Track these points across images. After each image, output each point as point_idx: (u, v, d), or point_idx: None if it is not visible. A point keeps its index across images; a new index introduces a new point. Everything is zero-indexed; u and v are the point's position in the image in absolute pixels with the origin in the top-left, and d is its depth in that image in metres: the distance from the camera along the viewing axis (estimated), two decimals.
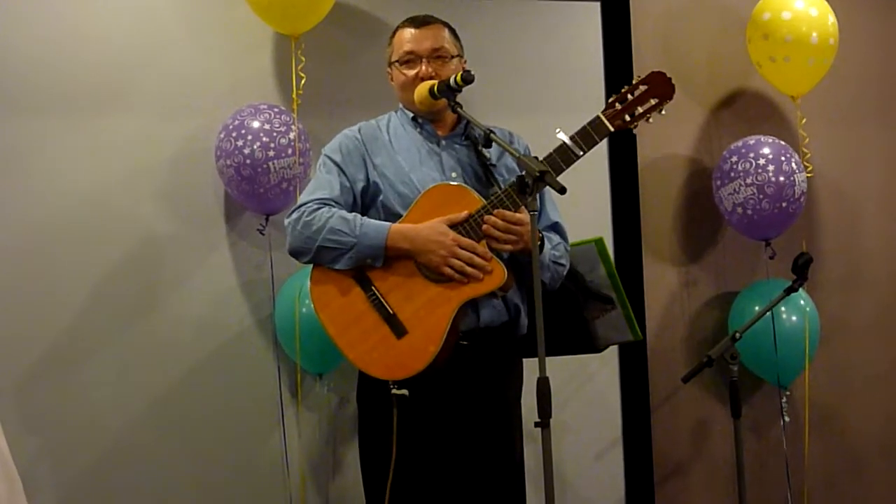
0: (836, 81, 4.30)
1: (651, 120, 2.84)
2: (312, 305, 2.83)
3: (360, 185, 2.89)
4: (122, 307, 3.64)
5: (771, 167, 3.95)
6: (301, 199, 2.90)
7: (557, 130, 2.76)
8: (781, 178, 3.94)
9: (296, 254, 2.86)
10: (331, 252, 2.78)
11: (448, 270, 2.73)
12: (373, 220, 2.81)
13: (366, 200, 2.90)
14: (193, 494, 3.68)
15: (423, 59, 2.92)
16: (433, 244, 2.74)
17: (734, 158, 4.03)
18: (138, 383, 3.63)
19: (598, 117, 2.79)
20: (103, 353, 3.62)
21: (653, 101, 2.82)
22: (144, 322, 3.66)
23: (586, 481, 4.06)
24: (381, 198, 2.87)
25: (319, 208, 2.82)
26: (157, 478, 3.64)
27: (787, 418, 4.06)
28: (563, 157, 2.75)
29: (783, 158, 3.98)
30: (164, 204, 3.69)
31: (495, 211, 2.74)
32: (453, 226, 2.76)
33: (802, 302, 4.03)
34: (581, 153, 2.76)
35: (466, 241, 2.74)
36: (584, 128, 2.78)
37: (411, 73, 2.92)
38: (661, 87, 2.84)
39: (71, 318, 3.60)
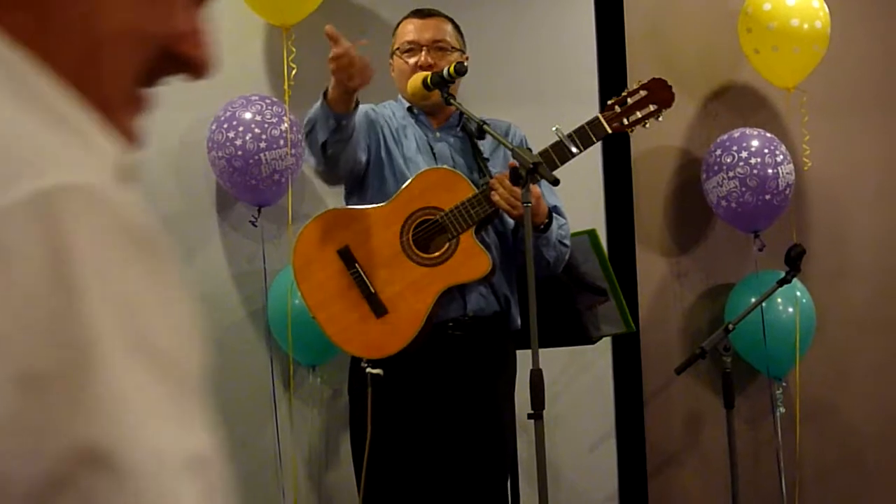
0: (827, 72, 4.29)
1: (648, 125, 2.84)
2: (294, 277, 2.83)
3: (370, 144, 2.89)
4: None
5: (753, 160, 3.95)
6: None
7: (554, 127, 2.76)
8: (764, 171, 3.94)
9: (311, 155, 2.82)
10: (311, 133, 2.75)
11: (341, 77, 2.63)
12: None
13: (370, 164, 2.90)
14: None
15: (423, 49, 2.91)
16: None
17: (718, 151, 4.05)
18: None
19: (596, 118, 2.80)
20: None
21: (651, 107, 2.83)
22: None
23: (579, 473, 4.06)
24: (379, 172, 2.88)
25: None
26: None
27: (782, 409, 4.07)
28: (559, 153, 2.76)
29: (766, 151, 3.98)
30: (156, 196, 3.68)
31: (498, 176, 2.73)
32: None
33: (799, 293, 4.03)
34: (577, 151, 2.77)
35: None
36: (581, 127, 2.79)
37: (411, 61, 2.92)
38: (660, 93, 2.85)
39: None
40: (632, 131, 2.85)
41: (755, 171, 3.94)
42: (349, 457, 2.96)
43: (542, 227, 2.79)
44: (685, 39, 4.35)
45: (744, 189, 3.94)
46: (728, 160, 3.99)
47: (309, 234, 2.83)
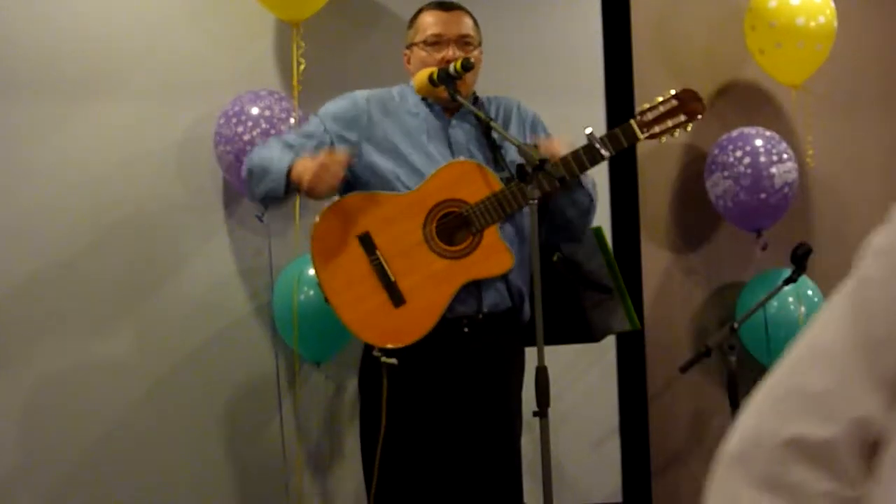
0: (832, 70, 4.29)
1: (677, 135, 2.85)
2: (312, 261, 2.82)
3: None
4: (119, 293, 3.64)
5: (747, 160, 3.97)
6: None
7: (588, 130, 2.76)
8: (758, 171, 3.95)
9: (245, 175, 2.91)
10: (253, 178, 2.85)
11: (310, 178, 2.69)
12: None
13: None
14: (190, 481, 3.68)
15: (452, 43, 2.90)
16: (307, 163, 2.73)
17: (716, 151, 4.08)
18: (134, 369, 3.63)
19: (629, 123, 2.80)
20: (99, 338, 3.62)
21: (682, 118, 2.83)
22: (141, 308, 3.65)
23: (583, 471, 4.06)
24: (369, 160, 2.85)
25: (265, 143, 2.92)
26: (154, 464, 3.64)
27: None
28: (589, 156, 2.75)
29: (762, 150, 3.99)
30: (163, 190, 3.69)
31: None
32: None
33: (810, 292, 4.03)
34: (607, 155, 2.77)
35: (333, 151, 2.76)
36: (614, 131, 2.79)
37: (438, 55, 2.89)
38: (691, 104, 2.84)
39: (68, 302, 3.60)
40: (661, 140, 2.85)
41: (748, 171, 3.96)
42: (354, 452, 2.96)
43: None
44: (691, 37, 4.35)
45: (738, 188, 3.97)
46: (723, 159, 4.02)
47: (329, 218, 2.81)
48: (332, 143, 2.84)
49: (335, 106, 2.92)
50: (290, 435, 3.72)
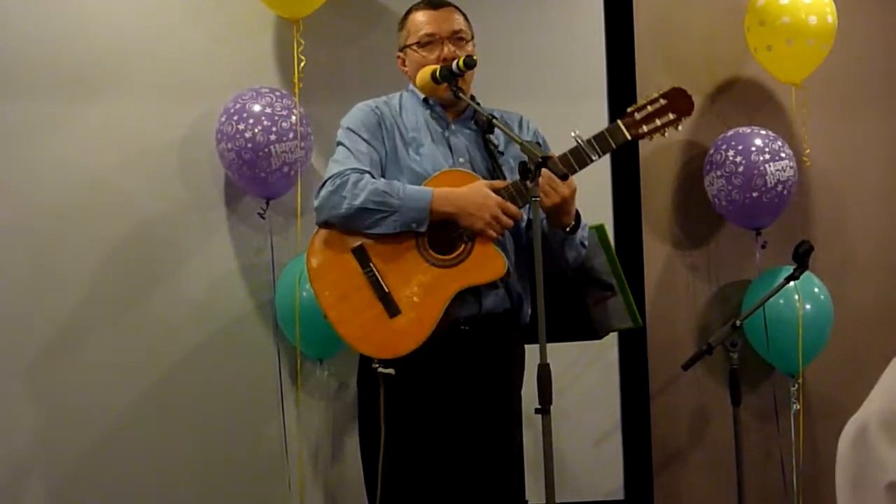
0: (833, 69, 4.28)
1: (667, 134, 2.84)
2: (307, 275, 2.82)
3: (381, 159, 2.87)
4: (121, 290, 3.64)
5: (739, 158, 3.97)
6: (334, 168, 2.81)
7: (573, 133, 2.75)
8: (750, 170, 3.95)
9: (331, 217, 2.76)
10: (372, 214, 2.72)
11: (492, 233, 2.72)
12: (412, 185, 2.77)
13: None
14: (192, 478, 3.68)
15: (445, 41, 2.89)
16: (477, 207, 2.72)
17: (711, 150, 4.09)
18: (136, 367, 3.63)
19: (616, 124, 2.79)
20: (101, 336, 3.62)
21: (671, 116, 2.82)
22: (143, 305, 3.65)
23: (585, 467, 4.06)
24: (390, 173, 2.85)
25: (361, 177, 2.76)
26: (156, 461, 3.65)
27: (797, 406, 4.07)
28: (577, 158, 2.74)
29: (754, 149, 3.98)
30: (165, 187, 3.69)
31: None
32: (496, 191, 2.76)
33: (816, 289, 4.02)
34: (595, 157, 2.76)
35: (510, 205, 2.73)
36: (601, 133, 2.78)
37: (432, 55, 2.88)
38: (680, 102, 2.83)
39: (70, 300, 3.60)
40: (650, 139, 2.85)
41: (740, 170, 3.96)
42: (356, 450, 2.96)
43: (571, 228, 2.80)
44: (693, 36, 4.34)
45: (730, 187, 3.98)
46: (717, 159, 4.03)
47: (324, 232, 2.81)
48: (385, 154, 2.85)
49: (355, 118, 2.90)
50: (291, 432, 3.72)
